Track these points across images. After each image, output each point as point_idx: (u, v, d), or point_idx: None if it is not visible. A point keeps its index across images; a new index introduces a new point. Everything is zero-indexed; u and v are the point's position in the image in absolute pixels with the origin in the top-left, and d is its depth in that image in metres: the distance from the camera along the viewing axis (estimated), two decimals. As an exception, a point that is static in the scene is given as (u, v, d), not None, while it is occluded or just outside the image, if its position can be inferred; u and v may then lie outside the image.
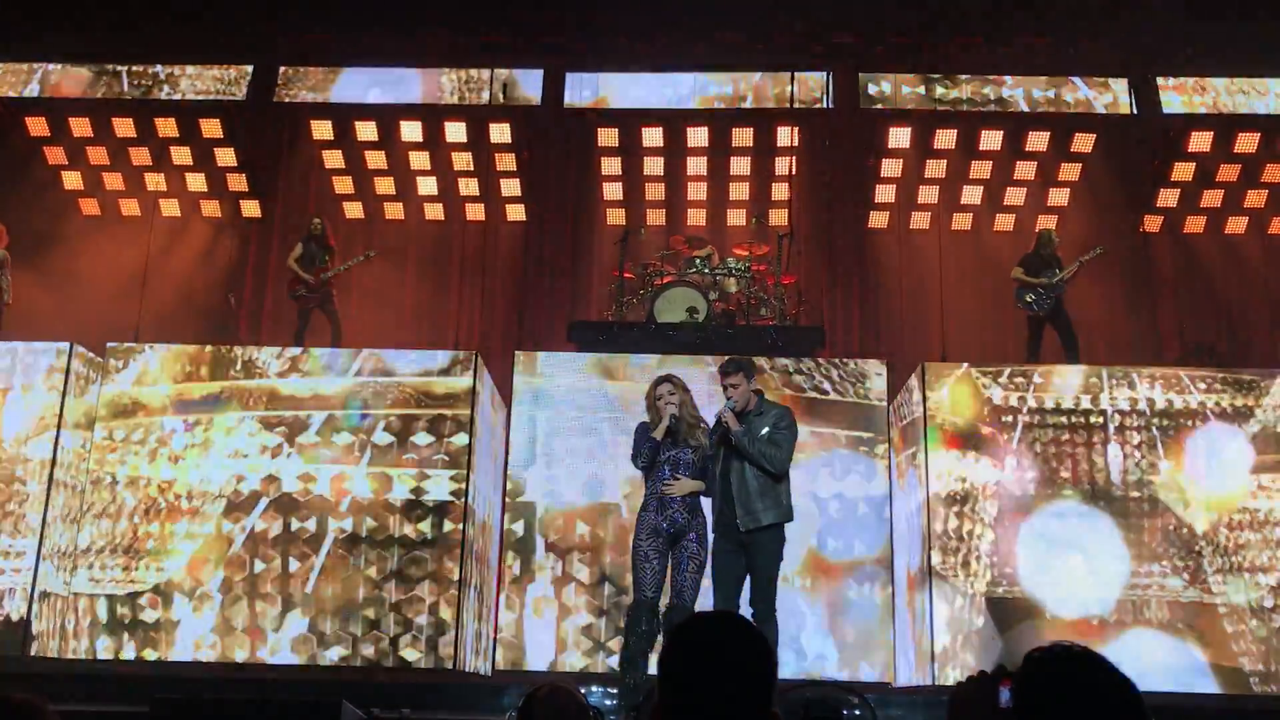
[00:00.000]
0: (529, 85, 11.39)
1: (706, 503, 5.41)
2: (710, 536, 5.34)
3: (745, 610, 5.24)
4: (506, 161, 11.04)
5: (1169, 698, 6.51)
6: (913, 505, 7.52)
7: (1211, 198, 10.83)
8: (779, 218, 10.64)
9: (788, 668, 7.00)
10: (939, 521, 7.18)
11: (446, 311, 10.86)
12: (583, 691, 3.14)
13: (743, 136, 10.95)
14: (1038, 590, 7.11)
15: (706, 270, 9.27)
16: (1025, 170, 10.89)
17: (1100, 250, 9.07)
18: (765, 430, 5.29)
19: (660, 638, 5.02)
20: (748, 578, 5.28)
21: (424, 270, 11.18)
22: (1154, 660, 6.83)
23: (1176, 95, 11.23)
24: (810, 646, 7.40)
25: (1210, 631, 7.00)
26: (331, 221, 10.69)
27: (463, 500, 7.32)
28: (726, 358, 5.55)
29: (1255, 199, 10.83)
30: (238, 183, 11.12)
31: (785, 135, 10.83)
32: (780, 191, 10.93)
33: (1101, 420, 7.43)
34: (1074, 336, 8.95)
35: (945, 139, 10.79)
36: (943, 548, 7.14)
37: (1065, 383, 7.53)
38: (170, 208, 11.14)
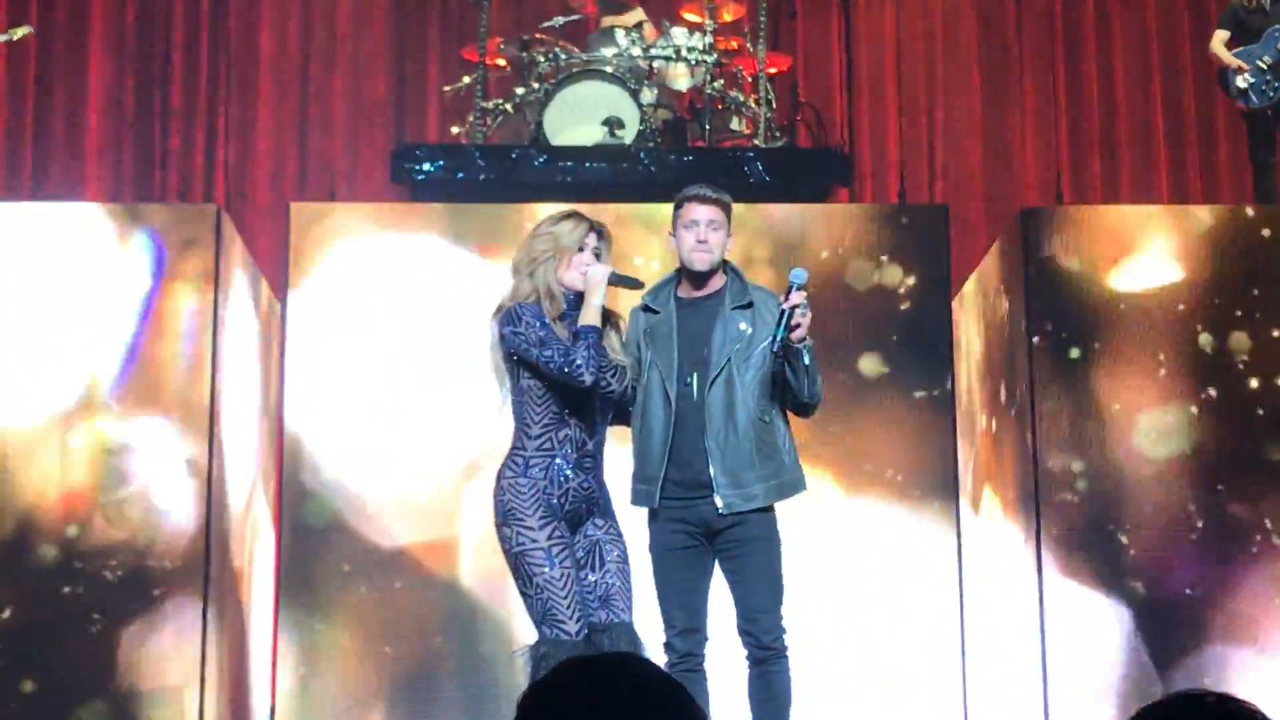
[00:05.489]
0: None
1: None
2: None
3: (724, 640, 5.56)
4: None
5: None
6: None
7: None
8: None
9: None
10: (1060, 488, 7.31)
11: (159, 132, 10.91)
12: None
13: None
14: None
15: (636, 51, 9.28)
16: None
17: None
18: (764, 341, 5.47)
19: None
20: (732, 592, 5.53)
21: (118, 59, 11.14)
22: None
23: None
24: (824, 693, 7.54)
25: None
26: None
27: (204, 475, 7.25)
28: (699, 186, 5.63)
29: None
30: None
31: None
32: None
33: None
34: None
35: None
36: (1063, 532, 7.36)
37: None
38: None
